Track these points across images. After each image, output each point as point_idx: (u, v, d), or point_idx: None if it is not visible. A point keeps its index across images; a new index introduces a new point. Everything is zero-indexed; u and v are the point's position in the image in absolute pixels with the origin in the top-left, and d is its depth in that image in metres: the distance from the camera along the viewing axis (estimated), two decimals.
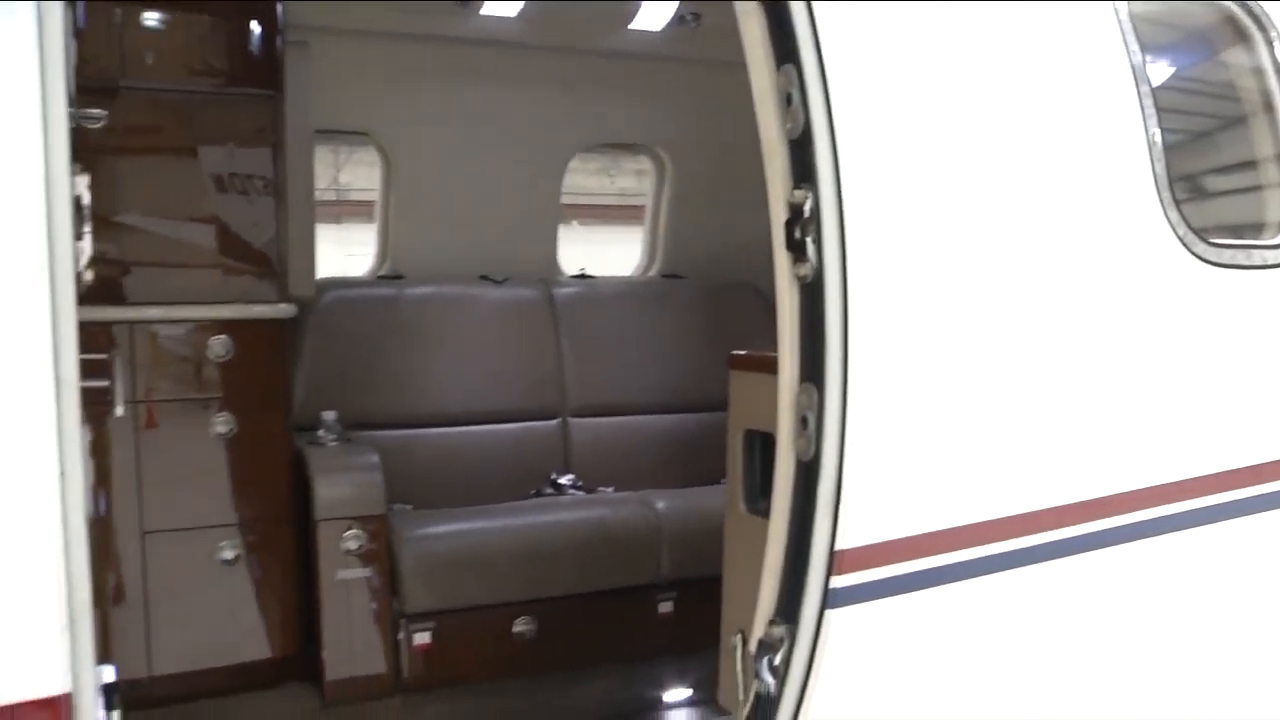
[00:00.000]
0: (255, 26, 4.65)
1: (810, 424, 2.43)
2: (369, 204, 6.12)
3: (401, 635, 4.64)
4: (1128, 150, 2.84)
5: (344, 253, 7.34)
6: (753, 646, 2.57)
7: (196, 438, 4.55)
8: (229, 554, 4.58)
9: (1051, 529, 2.72)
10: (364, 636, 4.61)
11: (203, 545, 4.55)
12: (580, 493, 5.62)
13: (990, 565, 2.64)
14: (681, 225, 6.42)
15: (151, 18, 4.52)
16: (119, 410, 3.33)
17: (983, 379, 2.61)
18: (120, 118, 4.36)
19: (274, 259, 4.72)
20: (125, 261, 4.49)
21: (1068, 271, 2.75)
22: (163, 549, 4.48)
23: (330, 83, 5.14)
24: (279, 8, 4.67)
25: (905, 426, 2.50)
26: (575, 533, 4.97)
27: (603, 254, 6.97)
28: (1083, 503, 2.78)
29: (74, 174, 1.89)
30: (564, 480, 5.66)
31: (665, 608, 5.06)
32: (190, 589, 4.53)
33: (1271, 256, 3.15)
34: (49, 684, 1.88)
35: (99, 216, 4.30)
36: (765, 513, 2.63)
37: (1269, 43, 3.31)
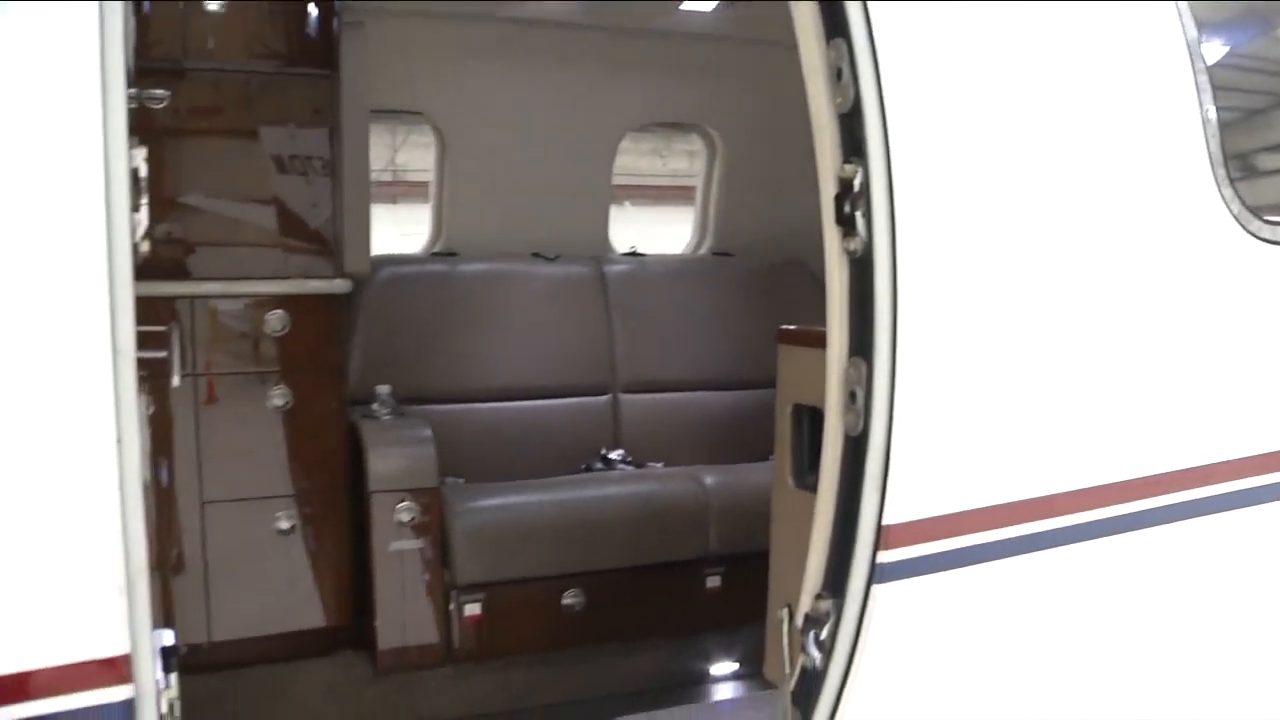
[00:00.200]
0: (312, 9, 4.72)
1: (859, 398, 2.43)
2: (424, 185, 6.17)
3: (452, 606, 4.70)
4: (1182, 127, 2.80)
5: (399, 232, 7.40)
6: (799, 621, 2.58)
7: (254, 410, 4.64)
8: (285, 524, 4.67)
9: (1101, 506, 2.70)
10: (416, 607, 4.68)
11: (260, 515, 4.64)
12: (629, 468, 5.66)
13: (1038, 542, 2.63)
14: (732, 203, 6.42)
15: (214, 2, 4.60)
16: (175, 380, 3.39)
17: (1032, 355, 2.60)
18: (185, 100, 4.46)
19: (330, 238, 4.79)
20: (189, 241, 4.59)
21: (1119, 249, 2.72)
22: (221, 519, 4.57)
23: (386, 63, 5.18)
24: None
25: (954, 401, 2.50)
26: (624, 507, 5.00)
27: (653, 234, 6.97)
28: (1133, 480, 2.75)
29: (131, 147, 1.93)
30: (614, 455, 5.71)
31: (713, 582, 5.09)
32: (247, 558, 4.63)
33: None
34: (109, 645, 1.92)
35: (166, 198, 4.43)
36: (813, 487, 2.64)
37: None
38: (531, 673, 4.93)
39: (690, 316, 6.07)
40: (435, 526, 4.68)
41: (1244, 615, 3.04)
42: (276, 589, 4.68)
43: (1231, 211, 2.87)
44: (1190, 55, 2.80)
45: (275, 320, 4.63)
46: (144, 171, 2.16)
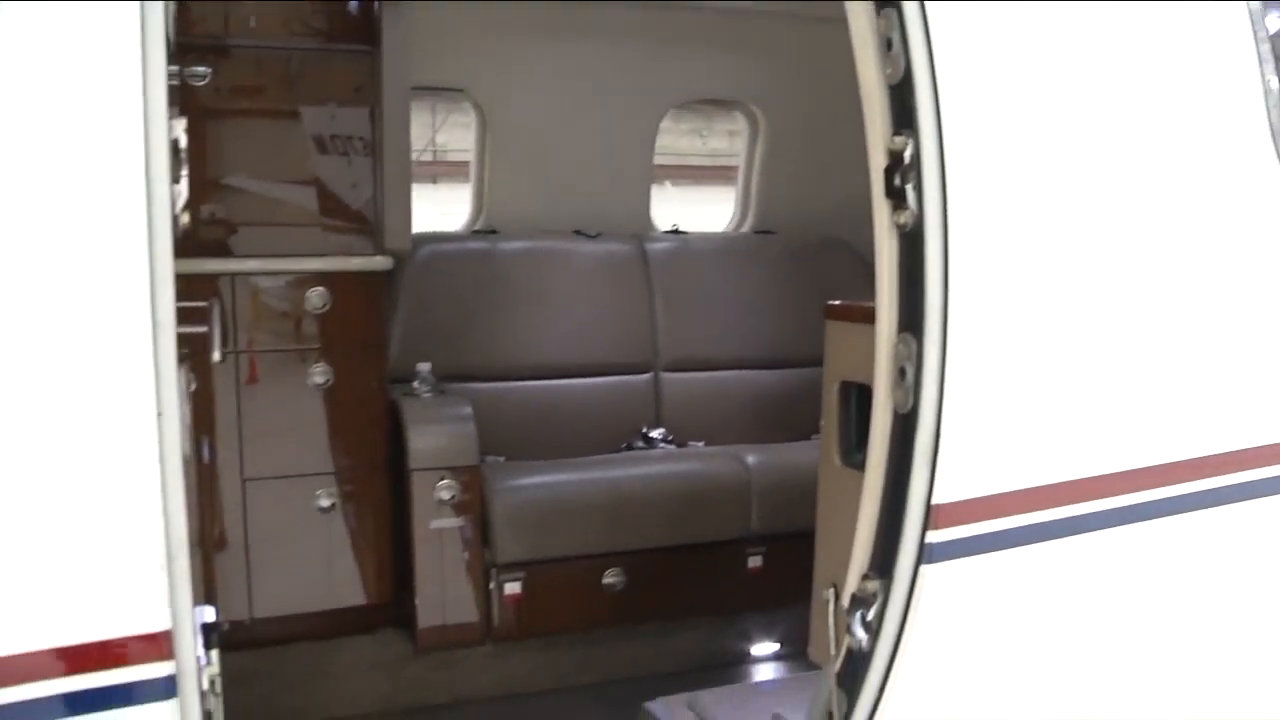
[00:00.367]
0: None
1: (909, 375, 2.39)
2: (465, 164, 6.15)
3: (492, 585, 4.70)
4: (1242, 98, 2.73)
5: (440, 211, 7.41)
6: (846, 601, 2.55)
7: (295, 388, 4.65)
8: (325, 502, 4.68)
9: (1155, 488, 2.64)
10: (456, 585, 4.68)
11: (300, 493, 4.65)
12: (671, 446, 5.63)
13: (1089, 523, 2.58)
14: (774, 181, 6.36)
15: None
16: (216, 355, 3.40)
17: (1085, 331, 2.53)
18: (226, 78, 4.47)
19: (371, 216, 4.79)
20: (231, 221, 4.62)
21: (1176, 223, 2.65)
22: (262, 496, 4.59)
23: (426, 40, 5.16)
24: None
25: (1005, 378, 2.45)
26: (665, 486, 4.98)
27: (694, 213, 6.94)
28: (1186, 461, 2.69)
29: (171, 118, 1.92)
30: (655, 434, 5.68)
31: (754, 562, 5.05)
32: (288, 535, 4.65)
33: None
34: (150, 620, 1.92)
35: (209, 179, 4.44)
36: (860, 465, 2.60)
37: None
38: (571, 652, 4.93)
39: (732, 295, 6.03)
40: (475, 505, 4.67)
41: None
42: (317, 566, 4.69)
43: None
44: (1253, 23, 2.72)
45: (316, 298, 4.63)
46: (184, 143, 2.15)
